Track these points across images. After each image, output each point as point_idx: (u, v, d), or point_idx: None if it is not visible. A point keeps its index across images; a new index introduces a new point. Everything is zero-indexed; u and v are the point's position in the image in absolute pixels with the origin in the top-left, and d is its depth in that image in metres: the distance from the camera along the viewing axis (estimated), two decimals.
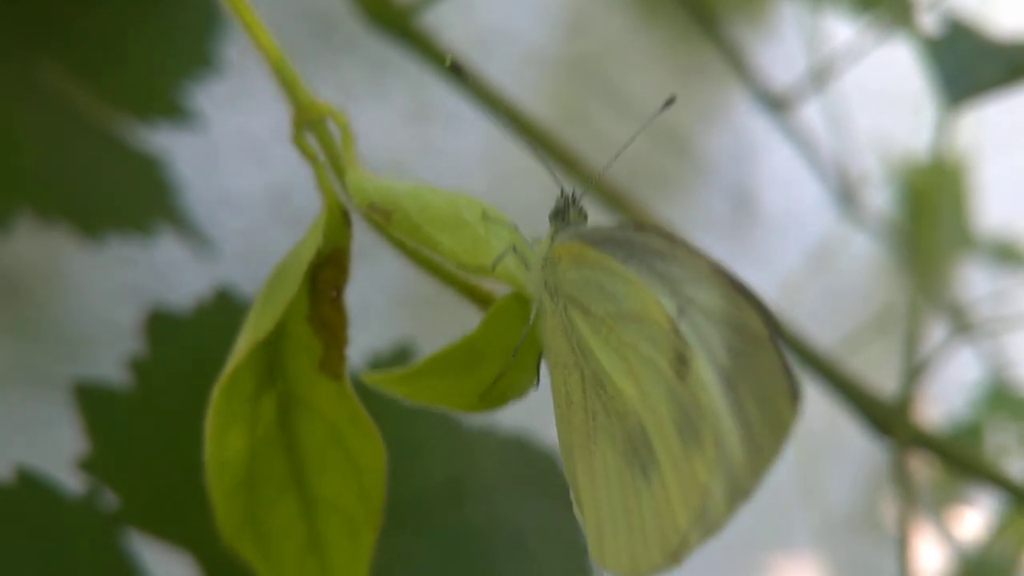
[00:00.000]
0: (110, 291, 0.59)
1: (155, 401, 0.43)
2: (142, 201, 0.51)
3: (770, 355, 0.24)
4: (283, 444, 0.30)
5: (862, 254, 0.90)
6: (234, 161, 0.63)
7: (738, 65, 0.74)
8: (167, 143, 0.56)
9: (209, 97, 0.59)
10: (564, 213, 0.28)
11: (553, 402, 0.27)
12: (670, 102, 0.29)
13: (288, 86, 0.28)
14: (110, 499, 0.41)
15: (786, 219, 0.88)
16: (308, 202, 0.65)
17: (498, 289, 0.29)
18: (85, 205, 0.48)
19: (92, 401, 0.42)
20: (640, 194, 0.57)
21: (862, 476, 0.92)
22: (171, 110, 0.53)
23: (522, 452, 0.53)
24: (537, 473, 0.52)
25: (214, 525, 0.43)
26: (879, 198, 0.90)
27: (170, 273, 0.61)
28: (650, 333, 0.25)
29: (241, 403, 0.29)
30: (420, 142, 0.70)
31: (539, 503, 0.51)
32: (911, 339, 0.56)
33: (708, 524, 0.25)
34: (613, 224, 0.26)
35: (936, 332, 0.83)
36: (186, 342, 0.44)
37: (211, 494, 0.28)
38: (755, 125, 0.83)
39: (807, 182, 0.83)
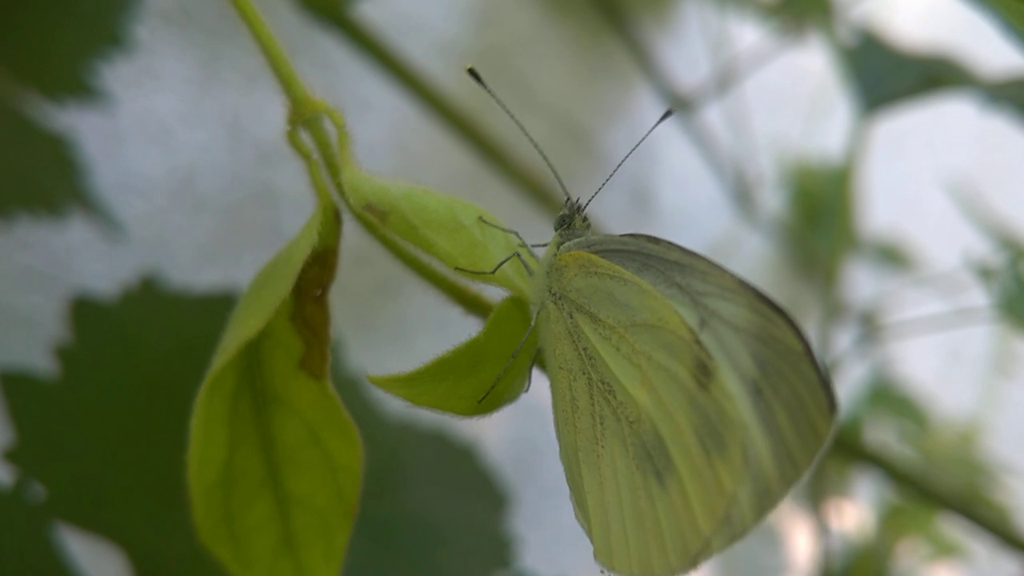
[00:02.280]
0: (9, 274, 0.57)
1: (82, 390, 0.42)
2: (50, 181, 0.50)
3: (807, 368, 0.25)
4: (260, 443, 0.30)
5: (756, 253, 0.93)
6: (140, 143, 0.61)
7: (644, 64, 0.76)
8: (74, 123, 0.55)
9: (117, 77, 0.58)
10: (569, 221, 0.28)
11: (554, 406, 0.28)
12: (667, 115, 0.30)
13: (285, 82, 0.28)
14: (38, 491, 0.40)
15: (683, 217, 0.89)
16: (211, 187, 0.65)
17: (489, 294, 0.29)
18: None
19: (18, 390, 0.41)
20: (543, 185, 0.58)
21: None
22: (78, 88, 0.51)
23: (442, 447, 0.53)
24: (457, 467, 0.52)
25: (142, 515, 0.42)
26: (773, 199, 0.93)
27: (69, 257, 0.59)
28: (667, 342, 0.26)
29: (222, 401, 0.29)
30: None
31: (458, 496, 0.52)
32: (822, 339, 0.58)
33: (734, 530, 0.25)
34: (625, 234, 0.27)
35: (835, 332, 0.86)
36: (111, 331, 0.43)
37: (191, 491, 0.28)
38: (657, 126, 0.84)
39: (705, 181, 0.85)
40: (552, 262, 0.28)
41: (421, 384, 0.26)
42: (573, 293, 0.27)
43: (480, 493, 0.53)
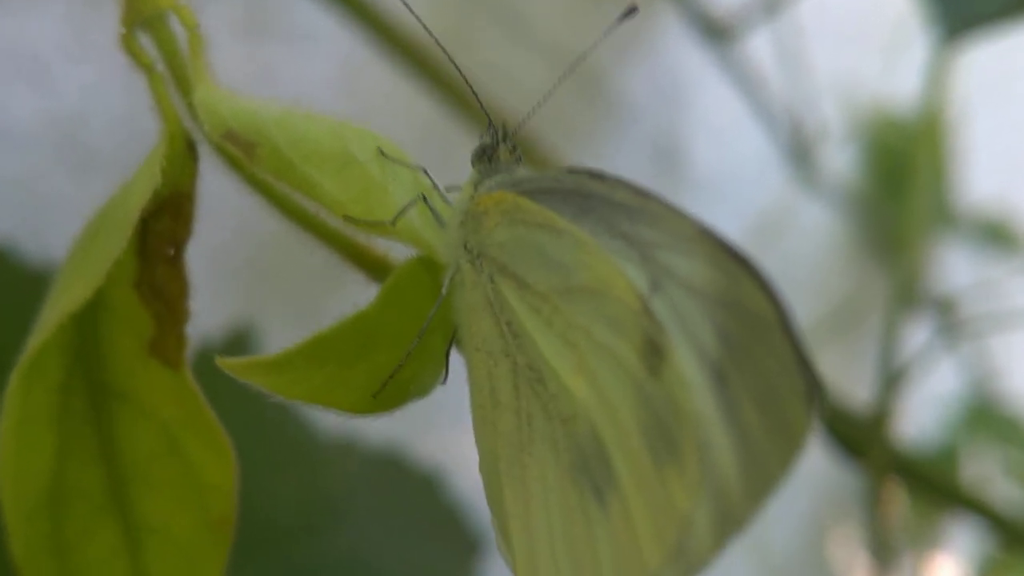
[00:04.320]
0: None
1: None
2: None
3: (778, 342, 0.23)
4: (100, 452, 0.29)
5: (817, 228, 0.92)
6: (6, 83, 0.61)
7: None
8: None
9: None
10: (492, 153, 0.27)
11: (471, 402, 0.27)
12: (630, 11, 0.29)
13: None
14: None
15: (722, 180, 0.88)
16: (103, 141, 0.64)
17: (398, 253, 0.28)
18: None
19: None
20: (544, 142, 0.57)
21: (807, 510, 0.94)
22: None
23: (394, 473, 0.53)
24: (413, 500, 0.52)
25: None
26: (840, 158, 0.91)
27: None
28: (610, 314, 0.25)
29: (45, 395, 0.28)
30: (256, 64, 0.68)
31: (414, 538, 0.51)
32: (889, 337, 0.57)
33: (688, 563, 0.24)
34: (560, 169, 0.26)
35: (912, 333, 0.85)
36: None
37: (6, 516, 0.27)
38: (687, 61, 0.84)
39: (751, 134, 0.84)
40: (468, 208, 0.27)
41: (292, 370, 0.25)
42: (494, 249, 0.26)
43: (443, 534, 0.53)
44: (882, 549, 0.78)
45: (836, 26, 0.88)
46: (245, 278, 0.67)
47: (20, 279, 0.44)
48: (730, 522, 0.24)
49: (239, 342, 0.47)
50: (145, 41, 0.28)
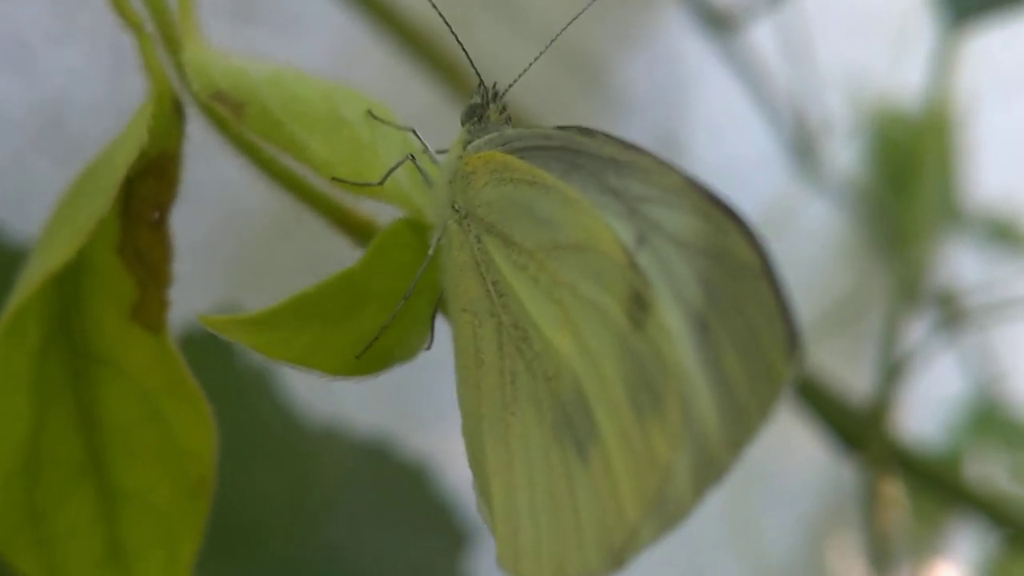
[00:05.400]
0: None
1: None
2: None
3: (762, 291, 0.24)
4: (78, 417, 0.30)
5: (821, 224, 0.92)
6: None
7: None
8: None
9: None
10: (481, 112, 0.28)
11: (456, 362, 0.27)
12: None
13: None
14: None
15: (723, 175, 0.88)
16: (86, 126, 0.64)
17: (384, 215, 0.28)
18: None
19: None
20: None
21: (805, 515, 0.94)
22: None
23: (381, 463, 0.52)
24: (401, 491, 0.52)
25: None
26: (845, 153, 0.91)
27: None
28: (597, 269, 0.25)
29: (23, 359, 0.28)
30: (244, 46, 0.68)
31: (401, 530, 0.51)
32: (889, 332, 0.57)
33: (668, 514, 0.25)
34: (548, 127, 0.26)
35: (914, 329, 0.85)
36: None
37: None
38: (688, 52, 0.84)
39: (754, 128, 0.84)
40: (457, 167, 0.27)
41: (276, 329, 0.26)
42: (482, 208, 0.26)
43: (431, 526, 0.53)
44: (880, 554, 0.78)
45: (842, 17, 0.88)
46: (230, 267, 0.67)
47: (3, 258, 0.44)
48: (710, 471, 0.25)
49: None
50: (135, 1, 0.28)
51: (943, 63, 0.58)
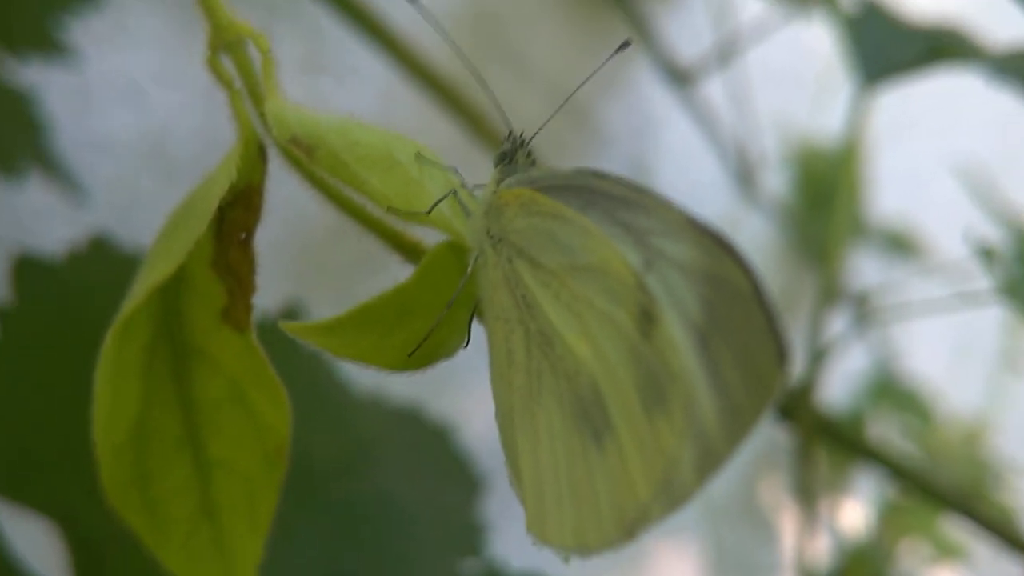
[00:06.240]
0: None
1: (21, 354, 0.40)
2: (8, 139, 0.48)
3: (754, 312, 0.22)
4: (178, 399, 0.28)
5: (758, 236, 0.91)
6: (108, 103, 0.60)
7: (644, 35, 0.73)
8: (37, 79, 0.53)
9: (86, 33, 0.56)
10: (511, 156, 0.26)
11: (491, 362, 0.26)
12: (624, 46, 0.28)
13: (204, 3, 0.26)
14: None
15: (682, 196, 0.87)
16: (184, 151, 0.63)
17: (428, 239, 0.27)
18: None
19: None
20: (541, 161, 0.56)
21: (744, 463, 0.93)
22: (45, 44, 0.50)
23: (413, 425, 0.51)
24: (430, 449, 0.51)
25: (81, 489, 0.40)
26: (776, 180, 0.90)
27: (32, 221, 0.58)
28: (610, 288, 0.24)
29: (135, 351, 0.27)
30: (312, 94, 0.67)
31: (430, 479, 0.50)
32: (814, 325, 0.56)
33: (674, 496, 0.23)
34: (569, 169, 0.25)
35: (831, 319, 0.84)
36: (57, 292, 0.42)
37: (97, 449, 0.26)
38: (657, 98, 0.82)
39: (706, 160, 0.83)
40: (491, 201, 0.26)
41: (343, 334, 0.24)
42: (513, 235, 0.25)
43: (453, 476, 0.52)
44: (803, 494, 0.77)
45: (775, 75, 0.87)
46: (296, 266, 0.66)
47: (116, 262, 0.43)
48: (711, 460, 0.23)
49: (291, 317, 0.45)
50: (227, 62, 0.27)
51: (856, 112, 0.57)
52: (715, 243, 0.23)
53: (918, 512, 0.90)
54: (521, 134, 0.26)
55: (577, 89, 0.30)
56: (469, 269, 0.25)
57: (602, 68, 0.29)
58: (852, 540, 0.91)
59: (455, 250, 0.25)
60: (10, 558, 0.39)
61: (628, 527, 0.24)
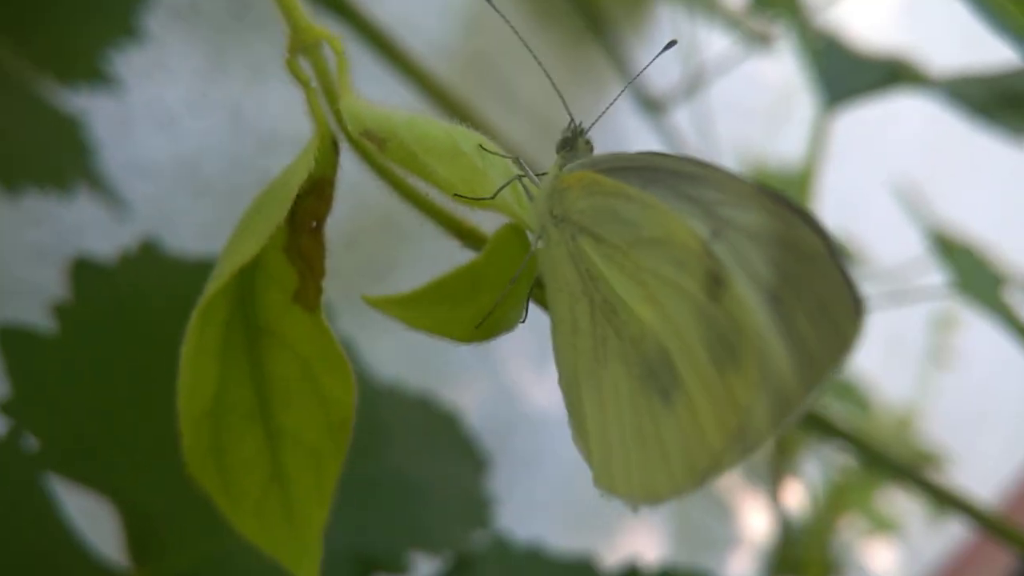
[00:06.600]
0: (20, 249, 0.55)
1: (77, 347, 0.39)
2: (60, 159, 0.48)
3: (829, 270, 0.21)
4: (251, 375, 0.27)
5: None
6: (147, 129, 0.59)
7: (620, 69, 0.73)
8: (86, 106, 0.52)
9: (129, 66, 0.55)
10: (572, 143, 0.25)
11: (553, 331, 0.25)
12: (670, 45, 0.27)
13: (285, 7, 0.25)
14: (31, 443, 0.37)
15: None
16: (216, 173, 0.62)
17: (485, 224, 0.26)
18: (5, 158, 0.44)
19: (16, 345, 0.38)
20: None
21: None
22: (92, 74, 0.50)
23: (427, 411, 0.51)
24: (440, 431, 0.50)
25: (133, 469, 0.39)
26: None
27: (78, 234, 0.57)
28: (675, 256, 0.23)
29: (214, 331, 0.26)
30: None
31: (441, 458, 0.50)
32: None
33: (748, 443, 0.22)
34: (630, 152, 0.24)
35: None
36: (109, 291, 0.41)
37: (180, 421, 0.25)
38: (629, 124, 0.82)
39: None
40: (554, 185, 0.25)
41: (418, 307, 0.23)
42: (576, 215, 0.24)
43: (462, 456, 0.52)
44: (751, 474, 0.76)
45: (735, 107, 0.88)
46: (351, 248, 0.65)
47: (162, 264, 0.42)
48: (786, 407, 0.22)
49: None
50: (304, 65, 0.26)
51: (819, 131, 0.57)
52: (787, 210, 0.22)
53: (856, 491, 0.91)
54: (580, 123, 0.26)
55: (636, 78, 0.29)
56: (533, 247, 0.25)
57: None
58: (797, 517, 0.91)
59: (516, 232, 0.25)
60: (71, 532, 0.38)
61: (700, 475, 0.23)
